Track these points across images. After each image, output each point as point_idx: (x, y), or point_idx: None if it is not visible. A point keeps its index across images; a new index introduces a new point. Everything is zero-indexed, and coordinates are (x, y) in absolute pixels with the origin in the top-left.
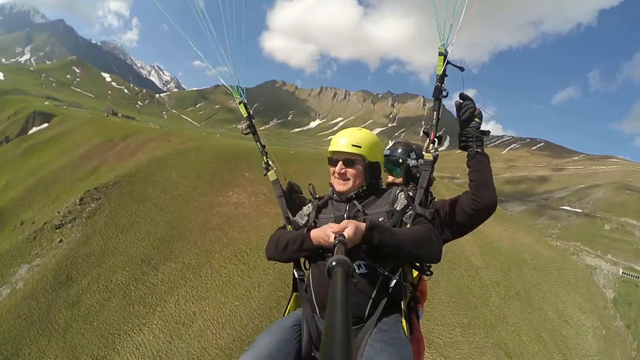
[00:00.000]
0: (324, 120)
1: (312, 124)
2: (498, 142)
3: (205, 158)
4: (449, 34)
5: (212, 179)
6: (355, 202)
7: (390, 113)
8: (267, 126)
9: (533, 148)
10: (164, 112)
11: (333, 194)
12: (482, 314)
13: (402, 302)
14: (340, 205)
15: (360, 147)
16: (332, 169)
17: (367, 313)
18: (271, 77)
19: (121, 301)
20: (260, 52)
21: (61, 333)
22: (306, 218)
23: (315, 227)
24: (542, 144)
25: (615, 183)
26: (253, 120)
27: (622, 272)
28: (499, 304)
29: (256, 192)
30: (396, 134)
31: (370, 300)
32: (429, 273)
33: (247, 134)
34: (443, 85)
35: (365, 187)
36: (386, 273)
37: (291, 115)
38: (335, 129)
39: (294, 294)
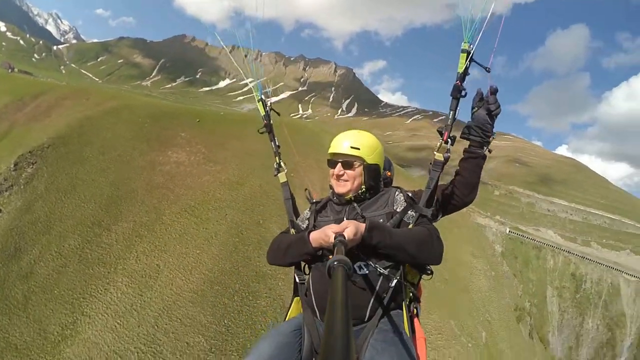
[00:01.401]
0: (234, 80)
1: (222, 84)
2: (403, 112)
3: (139, 117)
4: (474, 31)
5: (150, 139)
6: (355, 204)
7: (302, 77)
8: (174, 84)
9: (435, 120)
10: (62, 67)
11: (333, 197)
12: None
13: (403, 302)
14: (339, 207)
15: (359, 149)
16: (331, 170)
17: (368, 313)
18: (181, 31)
19: (78, 265)
20: (171, 3)
21: (21, 308)
22: (307, 222)
23: (315, 229)
24: (444, 117)
25: (507, 156)
26: (271, 121)
27: (509, 231)
28: None
29: (194, 151)
30: (306, 98)
31: (371, 301)
32: (429, 272)
33: (263, 133)
34: (463, 84)
35: (364, 189)
36: (387, 273)
37: (200, 74)
38: (245, 89)
39: (295, 298)
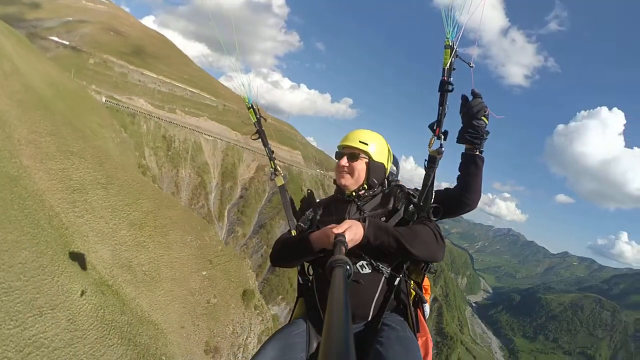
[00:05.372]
0: None
1: None
2: None
3: None
4: (456, 26)
5: None
6: (357, 202)
7: None
8: None
9: None
10: None
11: (337, 194)
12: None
13: (407, 301)
14: (342, 206)
15: (367, 144)
16: (336, 162)
17: (371, 312)
18: None
19: None
20: None
21: None
22: (309, 222)
23: (318, 229)
24: None
25: (103, 23)
26: (262, 127)
27: (105, 100)
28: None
29: None
30: None
31: (374, 300)
32: (433, 271)
33: (257, 139)
34: (450, 79)
35: (366, 186)
36: (389, 272)
37: None
38: None
39: (300, 299)
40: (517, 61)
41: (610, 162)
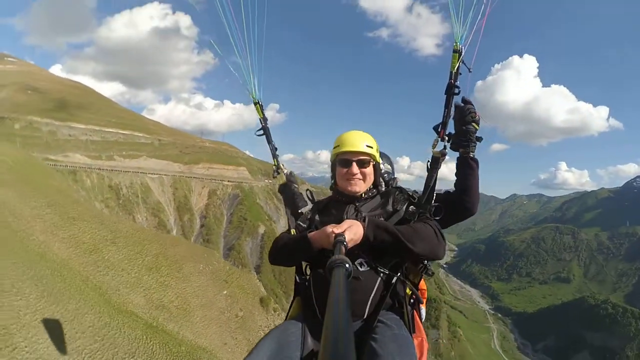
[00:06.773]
0: None
1: None
2: None
3: None
4: (465, 31)
5: None
6: (356, 202)
7: None
8: None
9: None
10: None
11: (337, 195)
12: None
13: (403, 301)
14: (341, 206)
15: (372, 147)
16: (342, 170)
17: (367, 310)
18: None
19: None
20: None
21: None
22: (308, 222)
23: (317, 229)
24: None
25: (17, 83)
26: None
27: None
28: None
29: None
30: None
31: (371, 298)
32: (430, 273)
33: (261, 135)
34: (456, 82)
35: (371, 187)
36: (387, 272)
37: None
38: None
39: (296, 298)
40: (427, 32)
41: (531, 103)
